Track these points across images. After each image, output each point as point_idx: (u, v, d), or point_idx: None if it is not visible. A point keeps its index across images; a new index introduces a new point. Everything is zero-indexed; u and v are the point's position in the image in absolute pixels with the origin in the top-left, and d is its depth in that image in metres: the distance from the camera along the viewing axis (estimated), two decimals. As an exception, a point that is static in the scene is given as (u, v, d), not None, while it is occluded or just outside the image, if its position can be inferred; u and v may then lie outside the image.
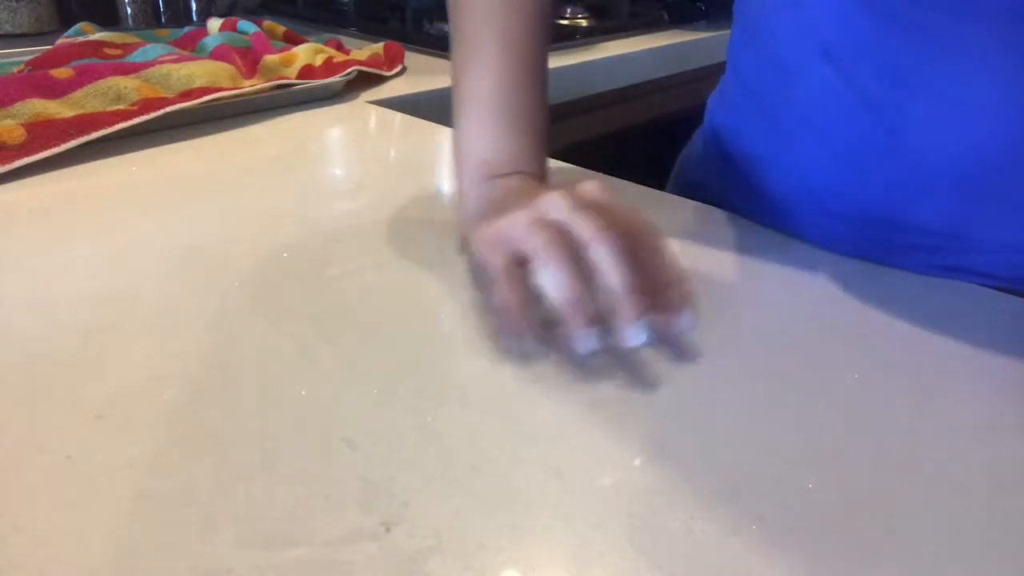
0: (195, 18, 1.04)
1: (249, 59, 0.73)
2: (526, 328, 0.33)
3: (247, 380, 0.32)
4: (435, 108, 0.73)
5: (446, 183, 0.54)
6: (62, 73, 0.61)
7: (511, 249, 0.34)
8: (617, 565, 0.24)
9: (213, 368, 0.32)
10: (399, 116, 0.69)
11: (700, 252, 0.46)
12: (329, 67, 0.72)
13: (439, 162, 0.59)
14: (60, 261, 0.40)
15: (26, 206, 0.47)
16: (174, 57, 0.68)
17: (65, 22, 0.88)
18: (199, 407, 0.30)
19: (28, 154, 0.50)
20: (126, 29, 0.87)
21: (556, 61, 0.90)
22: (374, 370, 0.33)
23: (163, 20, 1.01)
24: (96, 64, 0.63)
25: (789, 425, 0.31)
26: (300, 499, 0.26)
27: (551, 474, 0.28)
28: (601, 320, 0.32)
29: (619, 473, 0.28)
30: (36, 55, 0.71)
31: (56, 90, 0.60)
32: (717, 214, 0.52)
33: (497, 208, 0.37)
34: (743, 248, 0.47)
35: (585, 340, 0.32)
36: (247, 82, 0.68)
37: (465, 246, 0.41)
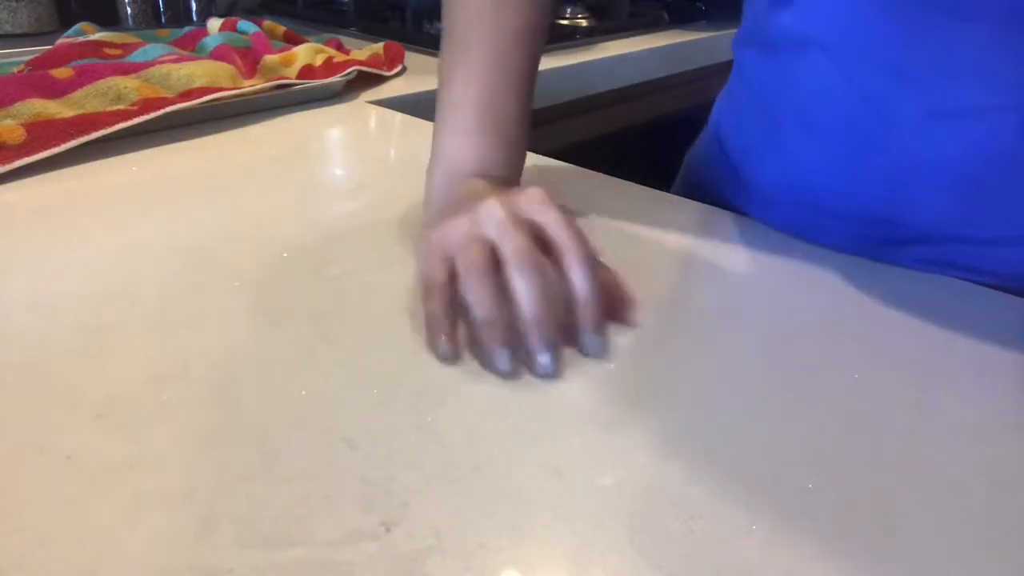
0: (195, 18, 1.04)
1: (249, 59, 0.73)
2: (449, 340, 0.34)
3: (247, 380, 0.32)
4: (435, 108, 0.72)
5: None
6: (62, 73, 0.61)
7: (447, 259, 0.35)
8: (617, 565, 0.24)
9: (213, 368, 0.32)
10: (399, 116, 0.69)
11: (701, 252, 0.46)
12: (329, 67, 0.72)
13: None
14: (60, 261, 0.40)
15: (26, 206, 0.47)
16: (174, 57, 0.68)
17: (65, 22, 0.88)
18: (199, 407, 0.30)
19: (28, 154, 0.50)
20: (126, 29, 0.87)
21: (556, 61, 0.90)
22: (374, 370, 0.33)
23: (163, 20, 1.01)
24: (96, 64, 0.63)
25: (789, 425, 0.31)
26: (300, 499, 0.26)
27: (551, 474, 0.28)
28: (519, 340, 0.33)
29: (619, 473, 0.28)
30: (36, 55, 0.71)
31: (56, 90, 0.60)
32: (719, 214, 0.52)
33: (454, 208, 0.38)
34: (744, 248, 0.47)
35: (500, 358, 0.33)
36: (247, 82, 0.68)
37: (420, 243, 0.42)
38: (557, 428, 0.30)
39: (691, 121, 0.67)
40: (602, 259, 0.36)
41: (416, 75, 0.82)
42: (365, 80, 0.76)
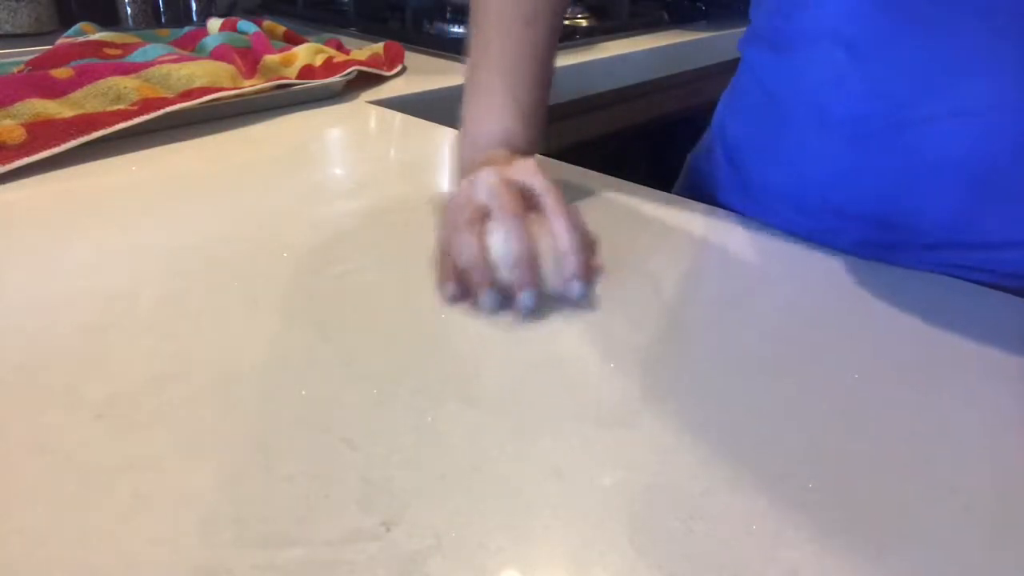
0: (195, 18, 1.04)
1: (249, 59, 0.73)
2: (454, 283, 0.39)
3: (247, 380, 0.32)
4: (435, 108, 0.73)
5: (446, 183, 0.54)
6: (62, 73, 0.61)
7: (452, 220, 0.41)
8: (617, 565, 0.24)
9: (213, 368, 0.32)
10: (399, 116, 0.69)
11: (702, 252, 0.46)
12: (329, 67, 0.72)
13: (439, 162, 0.59)
14: (60, 261, 0.40)
15: (26, 206, 0.47)
16: (174, 57, 0.68)
17: (65, 22, 0.88)
18: (199, 407, 0.30)
19: (28, 154, 0.50)
20: (126, 29, 0.88)
21: (556, 61, 0.90)
22: (374, 370, 0.33)
23: (163, 20, 1.01)
24: (96, 64, 0.63)
25: (789, 425, 0.31)
26: (300, 499, 0.26)
27: (551, 474, 0.28)
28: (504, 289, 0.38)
29: (619, 473, 0.28)
30: (36, 55, 0.71)
31: (56, 90, 0.60)
32: (720, 214, 0.52)
33: (474, 169, 0.43)
34: (745, 249, 0.47)
35: (487, 297, 0.38)
36: (247, 82, 0.68)
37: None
38: (557, 428, 0.30)
39: (691, 121, 0.67)
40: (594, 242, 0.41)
41: (416, 75, 0.81)
42: (365, 80, 0.76)
